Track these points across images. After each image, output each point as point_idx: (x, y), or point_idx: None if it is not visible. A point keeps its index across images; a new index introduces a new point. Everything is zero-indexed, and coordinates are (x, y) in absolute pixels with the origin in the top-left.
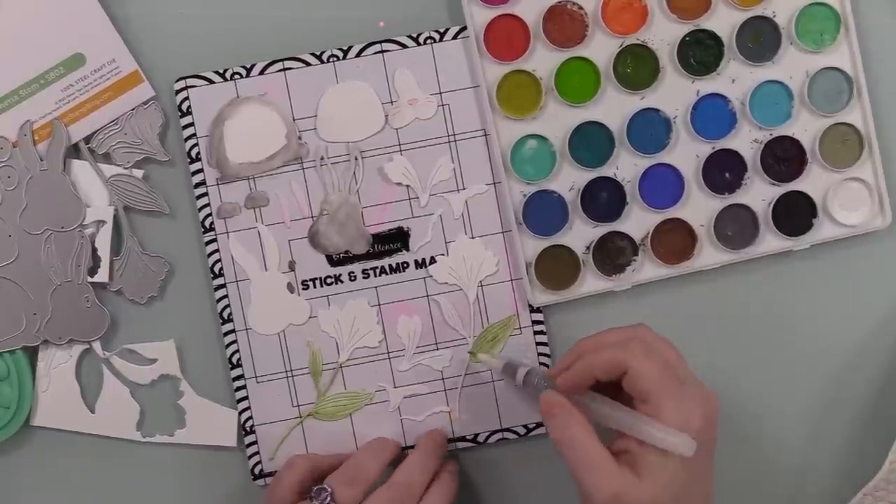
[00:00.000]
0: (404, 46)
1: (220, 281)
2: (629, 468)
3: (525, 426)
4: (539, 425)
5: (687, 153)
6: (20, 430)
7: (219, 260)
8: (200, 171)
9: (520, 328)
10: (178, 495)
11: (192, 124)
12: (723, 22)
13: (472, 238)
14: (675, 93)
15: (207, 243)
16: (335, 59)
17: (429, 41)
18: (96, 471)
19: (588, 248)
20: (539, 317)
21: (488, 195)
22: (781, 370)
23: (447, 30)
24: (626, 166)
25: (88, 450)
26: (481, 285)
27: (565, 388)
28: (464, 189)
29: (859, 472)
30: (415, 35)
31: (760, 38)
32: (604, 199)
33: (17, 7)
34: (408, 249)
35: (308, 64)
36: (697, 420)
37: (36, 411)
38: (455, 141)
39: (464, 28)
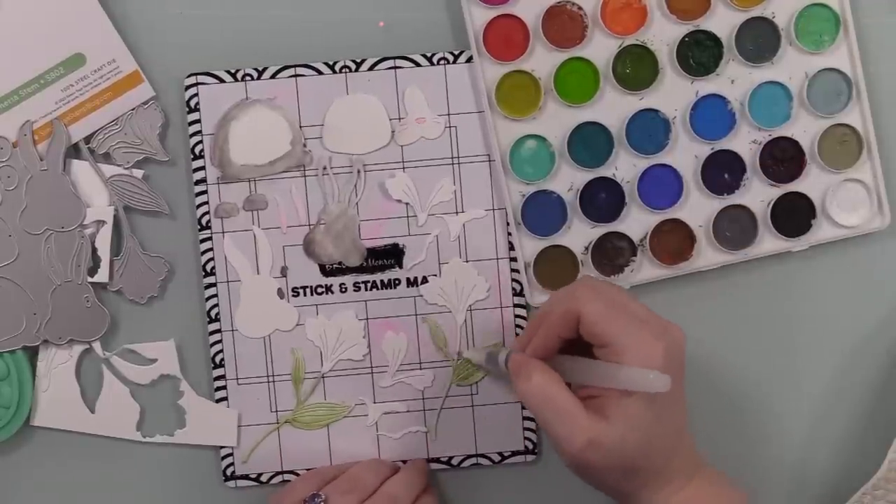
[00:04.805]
0: (417, 65)
1: (210, 280)
2: (597, 413)
3: (500, 453)
4: (514, 454)
5: (686, 154)
6: (20, 430)
7: (212, 259)
8: (202, 168)
9: None
10: (178, 495)
11: (198, 121)
12: (722, 23)
13: (466, 262)
14: (674, 93)
15: (202, 241)
16: (347, 70)
17: (442, 62)
18: (96, 471)
19: (587, 248)
20: None
21: (486, 220)
22: (780, 371)
23: (461, 52)
24: (625, 167)
25: (88, 450)
26: (470, 309)
27: (534, 355)
28: (462, 212)
29: (859, 470)
30: (429, 55)
31: (759, 39)
32: (603, 200)
33: (17, 7)
34: (401, 267)
35: (320, 73)
36: (659, 353)
37: (36, 411)
38: (458, 164)
39: None
